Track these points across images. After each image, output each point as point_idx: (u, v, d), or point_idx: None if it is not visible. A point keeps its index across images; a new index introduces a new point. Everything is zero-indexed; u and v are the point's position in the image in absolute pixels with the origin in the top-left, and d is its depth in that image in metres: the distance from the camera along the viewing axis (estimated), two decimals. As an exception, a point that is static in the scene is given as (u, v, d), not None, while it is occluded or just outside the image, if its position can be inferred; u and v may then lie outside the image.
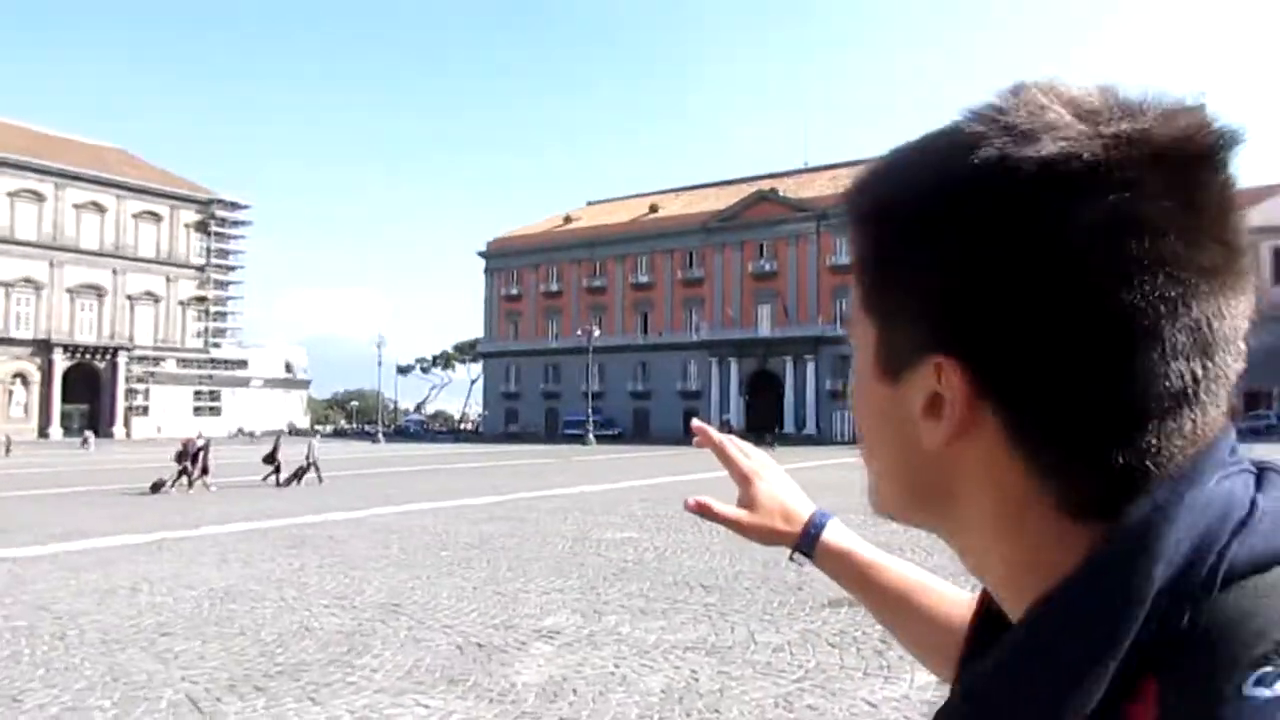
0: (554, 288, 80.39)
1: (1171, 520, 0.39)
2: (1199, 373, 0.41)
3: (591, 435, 58.24)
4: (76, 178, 74.88)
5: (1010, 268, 0.40)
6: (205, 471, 21.99)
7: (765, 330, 67.57)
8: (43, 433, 71.31)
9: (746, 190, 72.51)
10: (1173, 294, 0.40)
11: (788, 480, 0.91)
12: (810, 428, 63.73)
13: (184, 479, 21.70)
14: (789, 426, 64.28)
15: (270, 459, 23.04)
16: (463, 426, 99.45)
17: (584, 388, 65.49)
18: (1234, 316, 0.41)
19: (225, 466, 26.21)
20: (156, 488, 21.20)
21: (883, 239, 0.45)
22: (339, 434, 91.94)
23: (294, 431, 79.41)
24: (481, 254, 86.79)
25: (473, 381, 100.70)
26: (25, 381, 72.64)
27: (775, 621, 7.44)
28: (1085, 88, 0.42)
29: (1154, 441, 0.41)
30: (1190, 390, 0.41)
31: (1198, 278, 0.40)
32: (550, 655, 6.45)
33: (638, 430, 69.11)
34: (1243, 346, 0.42)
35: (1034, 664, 0.40)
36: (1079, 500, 0.42)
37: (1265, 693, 0.34)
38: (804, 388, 65.01)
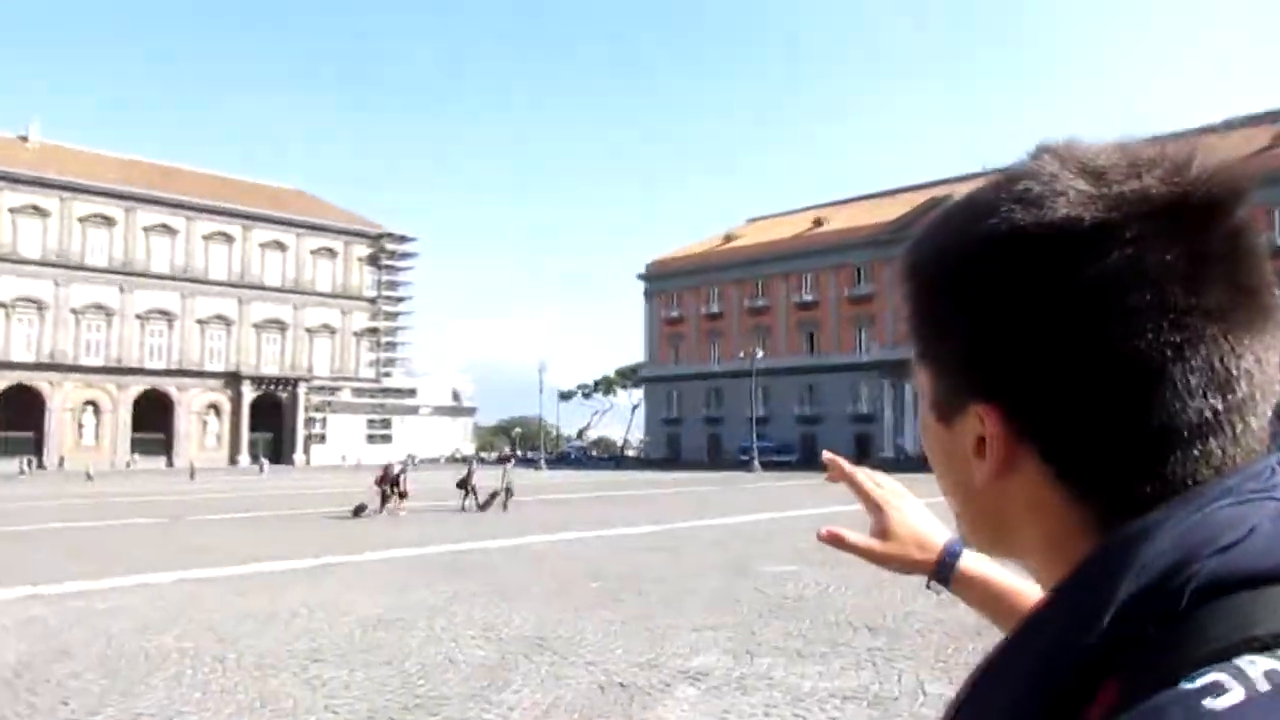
0: (715, 309, 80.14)
1: (1151, 538, 0.42)
2: (1218, 407, 0.44)
3: (756, 461, 57.85)
4: (261, 219, 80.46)
5: (1028, 323, 0.45)
6: (403, 496, 22.92)
7: (942, 348, 66.37)
8: (232, 460, 76.31)
9: (918, 199, 70.37)
10: (1177, 339, 0.44)
11: (921, 508, 0.94)
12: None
13: (382, 502, 22.70)
14: (970, 452, 62.65)
15: (464, 484, 23.81)
16: (625, 453, 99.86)
17: (748, 412, 64.48)
18: (1256, 352, 0.45)
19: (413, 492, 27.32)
20: (359, 511, 22.07)
21: (921, 297, 0.51)
22: (503, 460, 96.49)
23: (460, 458, 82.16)
24: (641, 276, 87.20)
25: (634, 407, 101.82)
26: (218, 412, 78.02)
27: (949, 670, 6.94)
28: (1101, 147, 0.47)
29: (1177, 470, 0.45)
30: (1211, 423, 0.45)
31: (1204, 321, 0.44)
32: (695, 700, 6.23)
33: (805, 456, 66.97)
34: (1275, 377, 0.45)
35: (1007, 663, 0.45)
36: (1108, 527, 0.46)
37: (1211, 703, 0.36)
38: (985, 410, 62.95)
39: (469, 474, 23.98)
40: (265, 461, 60.29)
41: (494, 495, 23.82)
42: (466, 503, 23.58)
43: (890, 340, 68.40)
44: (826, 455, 0.96)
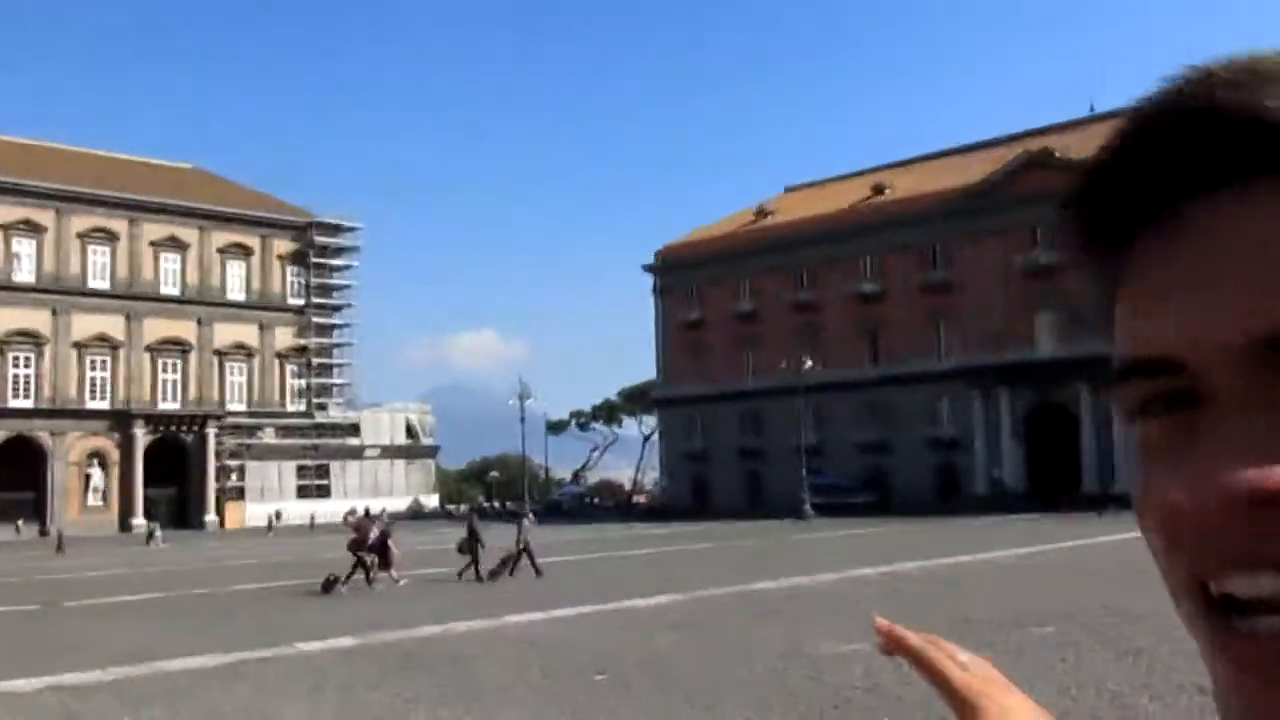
0: (747, 307, 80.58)
1: None
2: None
3: (808, 505, 58.47)
4: (154, 209, 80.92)
5: None
6: (388, 564, 23.26)
7: (1047, 348, 64.36)
8: (124, 525, 75.98)
9: (1008, 153, 69.81)
10: None
11: (1028, 705, 0.76)
12: (1124, 484, 61.81)
13: (361, 572, 22.98)
14: (1089, 483, 61.02)
15: (469, 547, 24.73)
16: (636, 500, 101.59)
17: (795, 441, 65.09)
18: None
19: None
20: (329, 586, 22.41)
21: None
22: (479, 514, 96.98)
23: (418, 514, 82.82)
24: (649, 268, 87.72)
25: (646, 438, 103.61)
26: (103, 462, 78.09)
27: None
28: None
29: None
30: None
31: None
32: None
33: (873, 495, 67.53)
34: None
35: None
36: None
37: None
38: (1109, 428, 60.66)
39: (474, 532, 24.83)
40: (156, 530, 57.18)
41: (506, 560, 24.78)
42: (472, 570, 24.35)
43: (976, 340, 67.74)
44: (879, 622, 0.81)
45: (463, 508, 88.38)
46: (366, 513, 34.81)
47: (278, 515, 77.37)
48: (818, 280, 76.97)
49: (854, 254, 74.69)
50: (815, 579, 21.35)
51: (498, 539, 25.99)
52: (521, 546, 24.91)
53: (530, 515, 28.72)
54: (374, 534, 23.34)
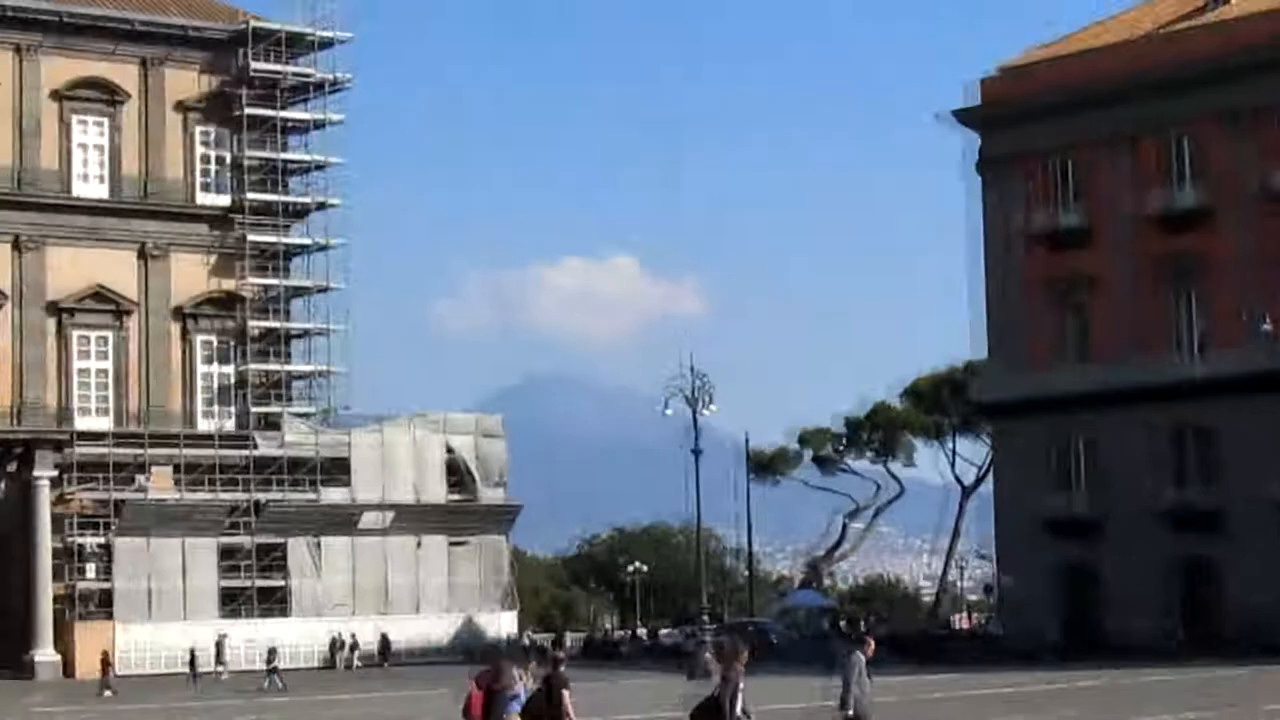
0: (1186, 200, 75.06)
1: None
2: None
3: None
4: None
5: None
6: None
7: None
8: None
9: None
10: None
11: None
12: None
13: None
14: None
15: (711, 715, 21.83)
16: (950, 625, 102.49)
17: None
18: None
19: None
20: None
21: None
22: (606, 648, 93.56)
23: (480, 649, 74.03)
24: (962, 117, 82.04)
25: (967, 490, 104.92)
26: None
27: None
28: None
29: None
30: None
31: None
32: None
33: None
34: None
35: None
36: None
37: None
38: None
39: (729, 694, 20.90)
40: None
41: None
42: None
43: None
44: None
45: (566, 640, 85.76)
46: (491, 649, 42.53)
47: (217, 652, 72.71)
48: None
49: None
50: None
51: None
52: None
53: (870, 652, 23.02)
54: (519, 683, 20.31)
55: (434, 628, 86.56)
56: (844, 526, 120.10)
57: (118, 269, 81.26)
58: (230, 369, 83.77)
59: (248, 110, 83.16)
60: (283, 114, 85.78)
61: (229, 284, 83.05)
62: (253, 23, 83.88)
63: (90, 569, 77.88)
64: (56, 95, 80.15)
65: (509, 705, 20.31)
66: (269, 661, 68.37)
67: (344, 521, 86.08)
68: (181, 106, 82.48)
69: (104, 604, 77.82)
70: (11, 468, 76.60)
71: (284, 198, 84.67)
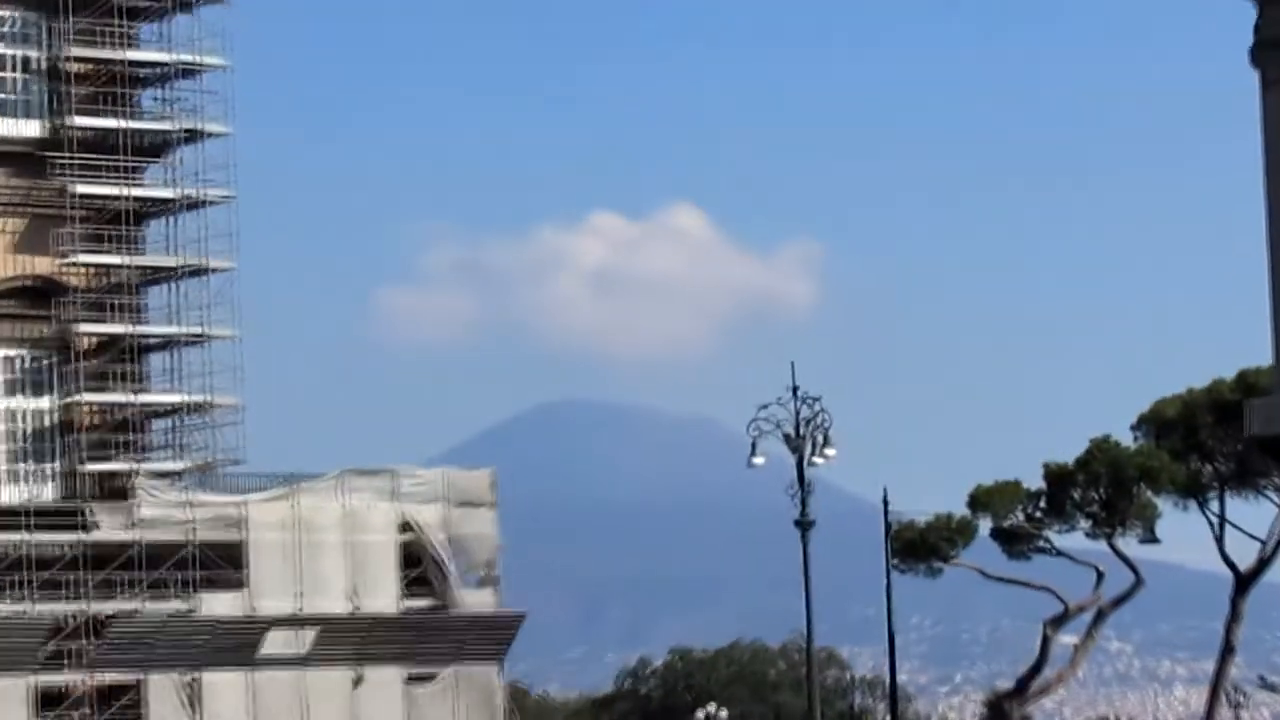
0: None
1: None
2: None
3: None
4: None
5: None
6: None
7: None
8: None
9: None
10: None
11: None
12: None
13: None
14: None
15: None
16: None
17: None
18: None
19: None
20: None
21: None
22: None
23: None
24: None
25: (1245, 580, 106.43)
26: None
27: None
28: None
29: None
30: None
31: None
32: None
33: None
34: None
35: None
36: None
37: None
38: None
39: None
40: None
41: None
42: None
43: None
44: None
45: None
46: None
47: None
48: None
49: None
50: None
51: None
52: None
53: None
54: None
55: None
56: (1046, 640, 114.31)
57: None
58: (47, 402, 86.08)
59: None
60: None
61: (43, 264, 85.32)
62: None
63: None
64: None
65: None
66: None
67: (237, 646, 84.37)
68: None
69: None
70: None
71: (132, 124, 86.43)
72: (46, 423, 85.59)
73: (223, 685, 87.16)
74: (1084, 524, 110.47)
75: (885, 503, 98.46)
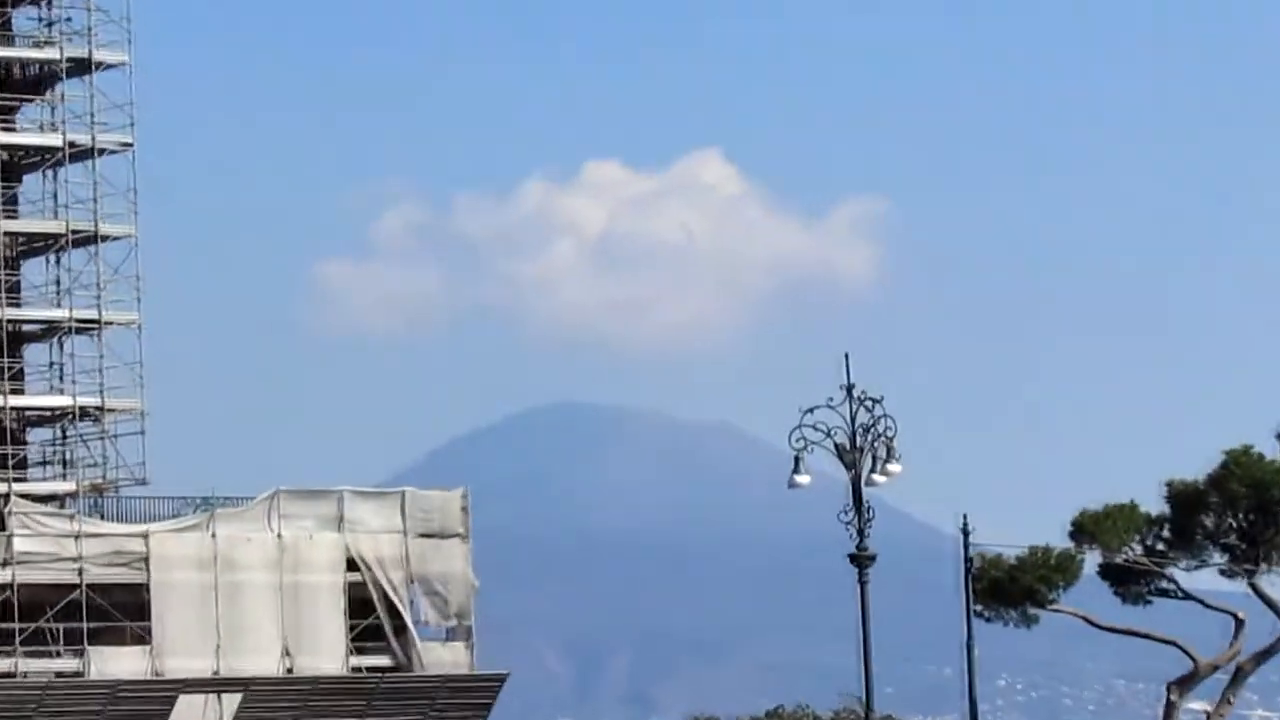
0: None
1: None
2: None
3: None
4: None
5: None
6: None
7: None
8: None
9: None
10: None
11: None
12: None
13: None
14: None
15: None
16: None
17: None
18: None
19: None
20: None
21: None
22: None
23: None
24: None
25: None
26: None
27: None
28: None
29: None
30: None
31: None
32: None
33: None
34: None
35: None
36: None
37: None
38: None
39: None
40: None
41: None
42: None
43: None
44: None
45: None
46: None
47: None
48: None
49: None
50: None
51: None
52: None
53: None
54: None
55: None
56: (1170, 706, 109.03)
57: None
58: None
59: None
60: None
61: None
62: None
63: None
64: None
65: None
66: None
67: (140, 717, 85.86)
68: None
69: None
70: None
71: (2, 50, 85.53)
72: None
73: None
74: (1218, 558, 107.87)
75: (965, 532, 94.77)
